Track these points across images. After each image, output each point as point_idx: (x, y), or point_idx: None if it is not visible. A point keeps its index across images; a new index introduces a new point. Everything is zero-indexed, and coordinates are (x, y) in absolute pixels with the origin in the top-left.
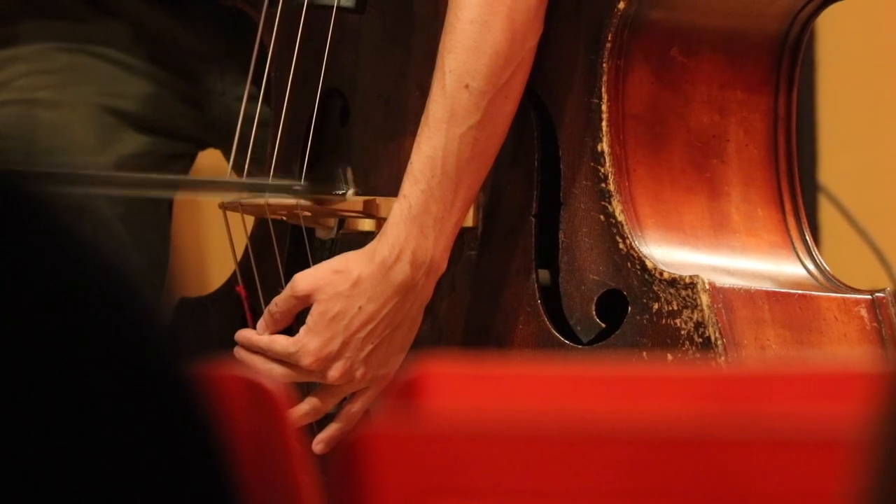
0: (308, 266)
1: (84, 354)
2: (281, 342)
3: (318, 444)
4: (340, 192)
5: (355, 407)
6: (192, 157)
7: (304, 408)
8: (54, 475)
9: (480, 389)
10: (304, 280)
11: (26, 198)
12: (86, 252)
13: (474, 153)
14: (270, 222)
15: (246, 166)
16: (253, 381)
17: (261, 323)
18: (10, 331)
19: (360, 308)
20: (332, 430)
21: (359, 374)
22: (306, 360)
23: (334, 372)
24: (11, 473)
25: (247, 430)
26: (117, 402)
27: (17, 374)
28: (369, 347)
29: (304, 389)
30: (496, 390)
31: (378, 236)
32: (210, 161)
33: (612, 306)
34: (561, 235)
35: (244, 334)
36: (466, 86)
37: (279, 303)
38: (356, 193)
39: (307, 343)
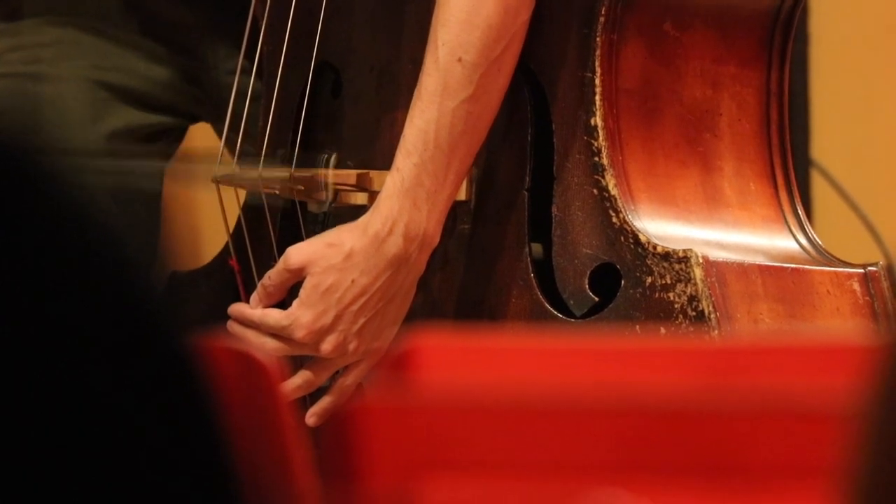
0: (300, 239)
1: (79, 326)
2: (274, 315)
3: (311, 416)
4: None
5: (348, 380)
6: (183, 132)
7: (297, 381)
8: (46, 446)
9: (473, 362)
10: (297, 253)
11: (18, 166)
12: (80, 223)
13: (467, 127)
14: (263, 196)
15: (239, 141)
16: (244, 353)
17: (254, 297)
18: (4, 300)
19: (353, 281)
20: (324, 402)
21: (352, 347)
22: (299, 334)
23: (327, 345)
24: (6, 439)
25: (238, 403)
26: (113, 372)
27: (12, 345)
28: (362, 320)
29: (297, 363)
30: (488, 363)
31: (371, 210)
32: (201, 135)
33: (606, 280)
34: (554, 209)
35: (237, 308)
36: (459, 59)
37: (272, 276)
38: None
39: (300, 316)
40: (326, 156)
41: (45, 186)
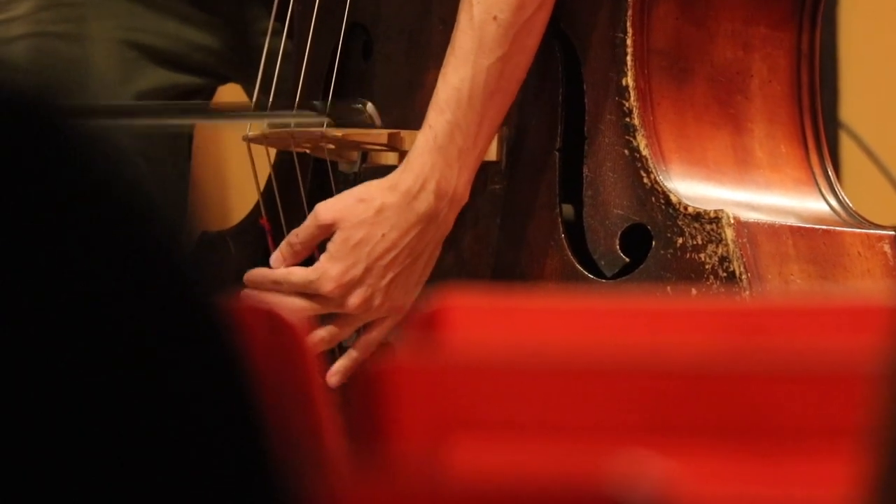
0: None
1: (107, 287)
2: (298, 273)
3: (334, 375)
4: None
5: (371, 337)
6: (213, 92)
7: (321, 333)
8: (71, 404)
9: (502, 323)
10: (327, 209)
11: (49, 122)
12: (109, 182)
13: (499, 85)
14: (295, 155)
15: (269, 102)
16: (273, 313)
17: (277, 255)
18: (34, 257)
19: (383, 235)
20: (347, 359)
21: (377, 302)
22: (327, 287)
23: (354, 299)
24: (36, 394)
25: (267, 363)
26: (142, 333)
27: (43, 300)
28: (390, 275)
29: (321, 323)
30: (518, 324)
31: (402, 166)
32: (231, 96)
33: (636, 241)
34: (585, 170)
35: (256, 273)
36: (494, 17)
37: (300, 233)
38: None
39: (328, 269)
40: (361, 106)
41: (73, 145)
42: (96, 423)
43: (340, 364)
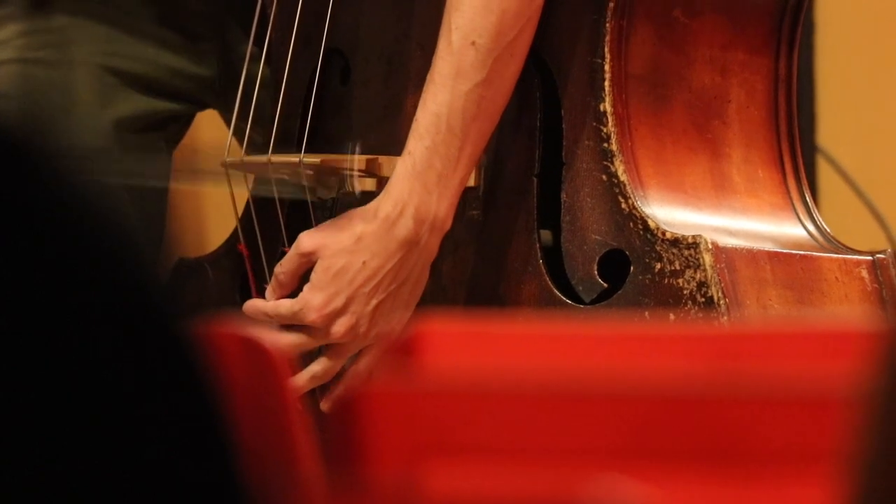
0: (309, 224)
1: (82, 311)
2: (286, 304)
3: (325, 403)
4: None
5: (361, 365)
6: (191, 118)
7: (313, 369)
8: (47, 435)
9: (480, 347)
10: (308, 238)
11: (26, 153)
12: (84, 208)
13: (480, 111)
14: (273, 181)
15: (247, 129)
16: (248, 338)
17: (269, 288)
18: (6, 285)
19: (363, 263)
20: (338, 389)
21: (363, 329)
22: (310, 316)
23: (339, 328)
24: (8, 429)
25: (244, 388)
26: (115, 359)
27: (14, 330)
28: (374, 303)
29: (308, 361)
30: (496, 349)
31: (382, 193)
32: (208, 123)
33: (615, 266)
34: (563, 195)
35: (251, 304)
36: (473, 43)
37: (284, 264)
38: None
39: (311, 299)
40: (351, 144)
41: (48, 172)
42: (68, 450)
43: (332, 393)
